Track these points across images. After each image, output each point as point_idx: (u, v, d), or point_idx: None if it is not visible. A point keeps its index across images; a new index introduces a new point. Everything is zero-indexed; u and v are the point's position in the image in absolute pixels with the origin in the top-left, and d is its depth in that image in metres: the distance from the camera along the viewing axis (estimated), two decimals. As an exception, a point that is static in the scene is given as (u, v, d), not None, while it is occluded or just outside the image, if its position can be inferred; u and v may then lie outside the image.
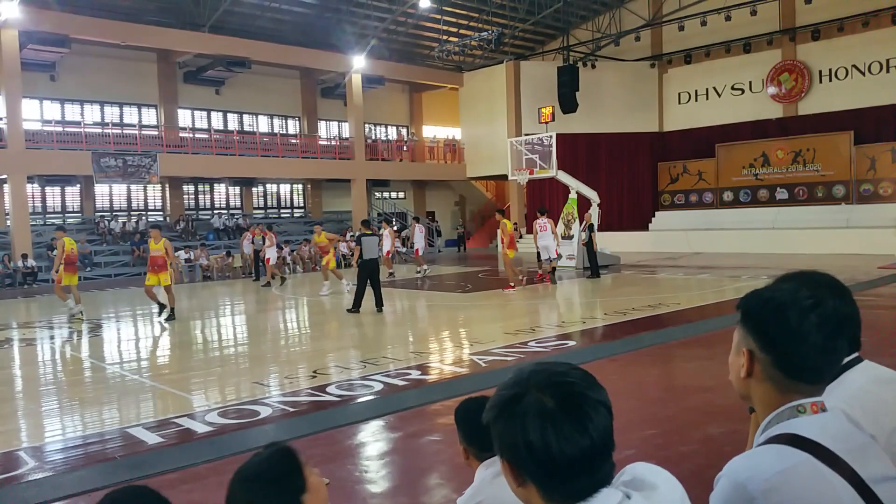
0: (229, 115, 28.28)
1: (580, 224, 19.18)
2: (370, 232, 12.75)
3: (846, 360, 1.61)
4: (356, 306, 12.06)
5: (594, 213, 19.34)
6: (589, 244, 17.02)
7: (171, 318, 12.05)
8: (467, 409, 2.19)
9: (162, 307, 12.36)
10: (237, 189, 28.91)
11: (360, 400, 6.33)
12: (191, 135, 25.85)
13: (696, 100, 28.64)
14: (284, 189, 30.69)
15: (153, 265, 12.13)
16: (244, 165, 25.70)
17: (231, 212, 28.36)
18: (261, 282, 18.77)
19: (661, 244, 24.90)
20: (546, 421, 1.05)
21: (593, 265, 16.84)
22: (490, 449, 2.06)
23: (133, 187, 25.58)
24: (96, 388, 7.37)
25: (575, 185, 19.65)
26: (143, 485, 1.39)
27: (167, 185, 26.33)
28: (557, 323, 10.46)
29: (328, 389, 6.69)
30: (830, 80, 25.18)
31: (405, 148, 32.18)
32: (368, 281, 12.05)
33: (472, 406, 2.19)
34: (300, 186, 30.89)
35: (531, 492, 1.09)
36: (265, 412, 5.97)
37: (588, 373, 1.13)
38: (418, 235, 20.76)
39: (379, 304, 12.15)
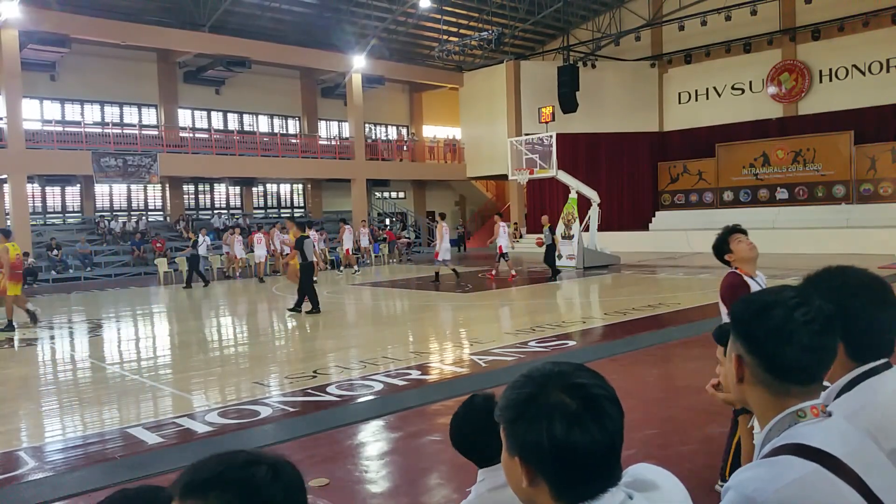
0: (229, 115, 28.28)
1: (580, 224, 19.20)
2: (306, 234, 12.86)
3: (872, 365, 1.53)
4: (315, 306, 12.19)
5: (594, 214, 19.34)
6: (550, 246, 16.83)
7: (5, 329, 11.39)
8: (459, 426, 2.02)
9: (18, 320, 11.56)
10: (237, 189, 28.90)
11: (360, 400, 6.33)
12: (191, 135, 25.85)
13: (696, 100, 28.64)
14: (284, 189, 30.69)
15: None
16: (244, 165, 25.70)
17: (231, 212, 28.36)
18: (194, 287, 18.12)
19: (661, 244, 24.89)
20: (573, 421, 1.05)
21: (552, 267, 16.84)
22: (481, 464, 1.96)
23: (133, 187, 25.58)
24: (96, 388, 7.37)
25: (575, 185, 19.65)
26: (155, 486, 1.33)
27: (167, 185, 26.33)
28: (557, 323, 10.45)
29: (328, 389, 6.69)
30: (830, 80, 25.18)
31: (405, 148, 32.18)
32: (300, 282, 12.21)
33: (461, 422, 2.02)
34: (300, 186, 30.89)
35: (541, 492, 1.08)
36: (265, 412, 5.97)
37: (595, 371, 1.13)
38: (346, 237, 20.83)
39: (299, 306, 12.24)
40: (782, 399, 1.30)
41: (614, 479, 1.09)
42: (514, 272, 17.17)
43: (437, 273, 17.08)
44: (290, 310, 12.32)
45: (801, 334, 1.27)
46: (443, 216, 18.14)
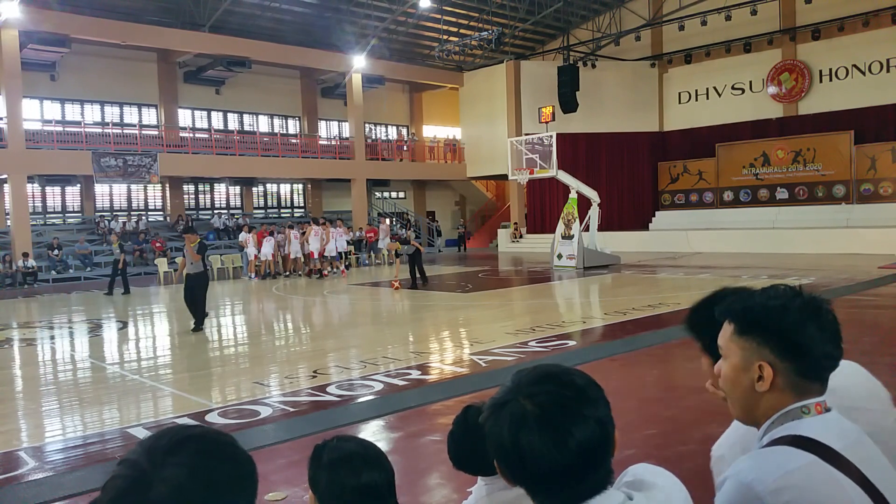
0: (229, 115, 28.27)
1: (580, 223, 19.20)
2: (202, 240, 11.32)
3: None
4: (200, 322, 10.79)
5: (594, 214, 19.31)
6: (415, 254, 16.17)
7: None
8: (457, 444, 2.01)
9: None
10: (237, 189, 28.90)
11: (360, 400, 6.33)
12: (191, 135, 25.84)
13: (697, 99, 28.64)
14: (284, 189, 30.69)
15: None
16: (244, 165, 25.69)
17: (231, 212, 28.36)
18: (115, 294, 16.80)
19: (662, 244, 24.91)
20: (522, 429, 1.05)
21: (419, 275, 16.16)
22: (477, 473, 1.96)
23: (133, 187, 25.58)
24: (96, 388, 7.37)
25: (575, 185, 19.66)
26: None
27: (167, 185, 26.32)
28: (557, 323, 10.45)
29: (328, 389, 6.69)
30: (831, 79, 25.18)
31: (405, 148, 32.17)
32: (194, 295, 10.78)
33: (458, 440, 2.01)
34: (300, 186, 30.88)
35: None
36: (265, 412, 5.97)
37: (590, 383, 1.11)
38: (266, 245, 20.83)
39: (198, 319, 10.81)
40: (802, 398, 1.30)
41: (586, 488, 1.07)
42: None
43: (321, 271, 20.16)
44: (194, 328, 10.74)
45: (833, 329, 1.30)
46: (316, 221, 21.37)
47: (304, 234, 20.92)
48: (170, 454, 0.92)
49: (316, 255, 20.28)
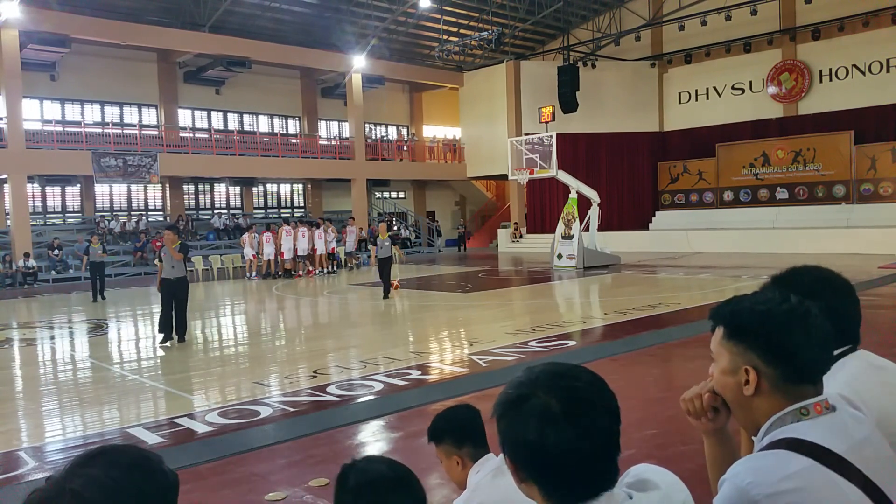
0: (229, 115, 28.27)
1: (580, 223, 19.19)
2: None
3: (842, 349, 1.63)
4: (182, 334, 9.84)
5: (594, 214, 19.29)
6: (383, 260, 14.52)
7: None
8: (447, 419, 2.16)
9: None
10: (237, 189, 28.90)
11: (360, 400, 6.33)
12: (191, 135, 25.84)
13: (697, 99, 28.64)
14: (284, 189, 30.69)
15: None
16: (244, 165, 25.69)
17: (231, 212, 28.36)
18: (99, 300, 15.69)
19: (662, 244, 24.90)
20: (547, 423, 1.05)
21: (386, 283, 14.54)
22: (483, 445, 2.05)
23: (133, 187, 25.58)
24: (96, 388, 7.37)
25: (575, 185, 19.66)
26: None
27: (167, 185, 26.32)
28: (557, 323, 10.45)
29: (328, 389, 6.69)
30: (831, 79, 25.18)
31: (405, 148, 32.17)
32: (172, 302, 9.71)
33: (448, 415, 2.16)
34: (300, 186, 30.88)
35: (532, 488, 1.11)
36: (265, 412, 5.97)
37: (597, 377, 1.13)
38: (268, 245, 20.85)
39: (180, 330, 9.74)
40: (796, 400, 1.30)
41: (601, 483, 1.08)
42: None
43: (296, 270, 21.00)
44: (179, 340, 9.85)
45: (818, 339, 1.29)
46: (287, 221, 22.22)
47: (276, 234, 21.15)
48: (82, 466, 0.95)
49: (287, 256, 20.66)
